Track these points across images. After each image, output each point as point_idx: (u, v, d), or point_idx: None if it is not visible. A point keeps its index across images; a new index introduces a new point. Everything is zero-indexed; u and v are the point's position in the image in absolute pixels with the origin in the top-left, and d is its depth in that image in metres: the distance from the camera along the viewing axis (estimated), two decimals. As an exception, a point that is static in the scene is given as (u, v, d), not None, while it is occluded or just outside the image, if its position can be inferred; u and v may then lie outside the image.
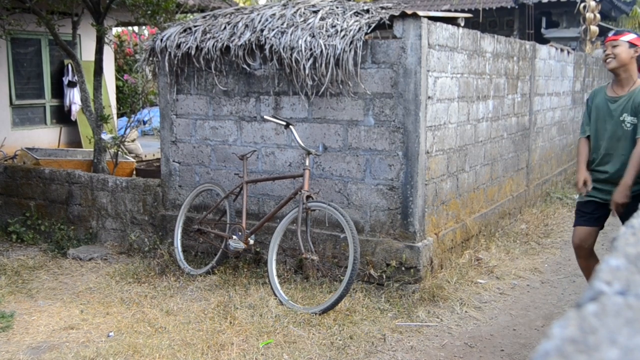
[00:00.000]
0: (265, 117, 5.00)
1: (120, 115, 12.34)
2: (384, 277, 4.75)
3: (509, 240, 6.24)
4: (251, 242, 5.06)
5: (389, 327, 4.20)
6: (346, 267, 4.47)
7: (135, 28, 17.28)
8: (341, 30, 4.78)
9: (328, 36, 4.80)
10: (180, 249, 5.52)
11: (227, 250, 5.14)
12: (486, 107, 6.07)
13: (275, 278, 4.69)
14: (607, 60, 3.94)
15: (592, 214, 4.06)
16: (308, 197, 4.67)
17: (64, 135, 10.69)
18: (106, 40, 7.58)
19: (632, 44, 3.84)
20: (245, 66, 5.25)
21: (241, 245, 4.99)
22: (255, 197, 5.43)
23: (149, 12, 6.97)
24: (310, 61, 4.81)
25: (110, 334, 4.17)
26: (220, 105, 5.52)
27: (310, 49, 4.81)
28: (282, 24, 5.05)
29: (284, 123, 4.87)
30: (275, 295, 4.60)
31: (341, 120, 4.96)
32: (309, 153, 4.77)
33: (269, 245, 4.88)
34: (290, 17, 5.08)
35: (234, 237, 5.04)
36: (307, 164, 4.75)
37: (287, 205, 4.96)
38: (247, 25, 5.24)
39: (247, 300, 4.58)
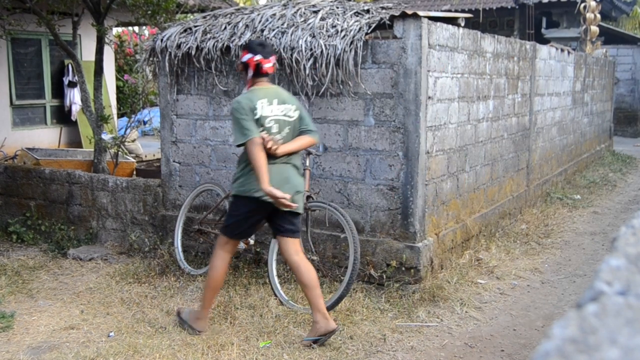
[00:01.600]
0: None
1: (120, 115, 12.34)
2: (384, 277, 4.75)
3: (509, 241, 6.23)
4: (251, 242, 5.06)
5: (389, 327, 4.20)
6: (346, 267, 4.47)
7: (136, 28, 17.29)
8: (341, 31, 4.78)
9: (328, 36, 4.80)
10: (180, 249, 5.52)
11: (227, 251, 5.14)
12: (486, 107, 6.07)
13: (276, 278, 4.70)
14: None
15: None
16: (308, 197, 4.67)
17: (64, 136, 10.70)
18: (106, 40, 7.58)
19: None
20: (245, 66, 5.24)
21: (241, 246, 4.98)
22: (256, 197, 5.43)
23: (149, 12, 6.97)
24: (311, 61, 4.81)
25: (111, 334, 4.17)
26: (221, 105, 5.52)
27: (311, 49, 4.81)
28: (283, 24, 5.05)
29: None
30: (276, 296, 4.60)
31: (341, 121, 4.96)
32: (309, 153, 4.77)
33: (269, 245, 4.88)
34: (291, 17, 5.08)
35: (234, 237, 5.03)
36: (307, 164, 4.75)
37: (288, 206, 4.96)
38: (247, 26, 5.24)
39: (248, 300, 4.58)
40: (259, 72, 3.95)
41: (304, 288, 3.97)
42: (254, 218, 4.02)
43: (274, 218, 4.01)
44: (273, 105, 3.91)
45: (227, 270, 4.13)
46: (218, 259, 4.04)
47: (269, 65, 3.97)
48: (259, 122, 3.85)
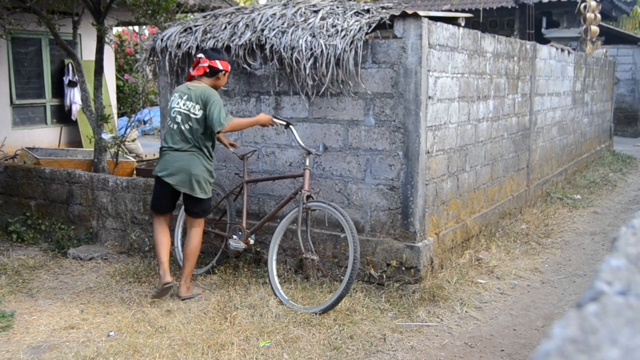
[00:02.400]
0: (266, 116, 5.00)
1: (120, 115, 12.34)
2: (384, 277, 4.75)
3: (509, 240, 6.24)
4: (251, 241, 5.06)
5: (389, 327, 4.20)
6: (346, 267, 4.47)
7: (136, 28, 17.28)
8: (342, 30, 4.78)
9: (328, 36, 4.80)
10: (180, 248, 5.51)
11: (227, 250, 5.14)
12: (486, 107, 6.07)
13: (276, 278, 4.70)
14: None
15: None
16: (308, 197, 4.67)
17: (64, 135, 10.70)
18: (107, 39, 7.58)
19: None
20: (245, 66, 5.25)
21: (241, 245, 4.99)
22: (256, 197, 5.44)
23: (149, 11, 6.97)
24: (311, 61, 4.81)
25: (111, 333, 4.17)
26: (221, 105, 5.52)
27: (311, 49, 4.81)
28: (283, 24, 5.05)
29: (285, 123, 4.87)
30: (276, 295, 4.60)
31: (341, 120, 4.96)
32: (309, 153, 4.77)
33: (269, 245, 4.88)
34: (291, 16, 5.08)
35: (234, 236, 5.04)
36: (307, 163, 4.75)
37: (288, 205, 4.96)
38: (247, 25, 5.24)
39: (247, 300, 4.59)
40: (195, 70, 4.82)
41: (184, 254, 4.89)
42: (162, 193, 4.80)
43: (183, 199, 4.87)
44: (182, 100, 4.69)
45: (168, 235, 4.88)
46: (154, 231, 4.89)
47: (194, 64, 4.82)
48: (167, 111, 4.86)
